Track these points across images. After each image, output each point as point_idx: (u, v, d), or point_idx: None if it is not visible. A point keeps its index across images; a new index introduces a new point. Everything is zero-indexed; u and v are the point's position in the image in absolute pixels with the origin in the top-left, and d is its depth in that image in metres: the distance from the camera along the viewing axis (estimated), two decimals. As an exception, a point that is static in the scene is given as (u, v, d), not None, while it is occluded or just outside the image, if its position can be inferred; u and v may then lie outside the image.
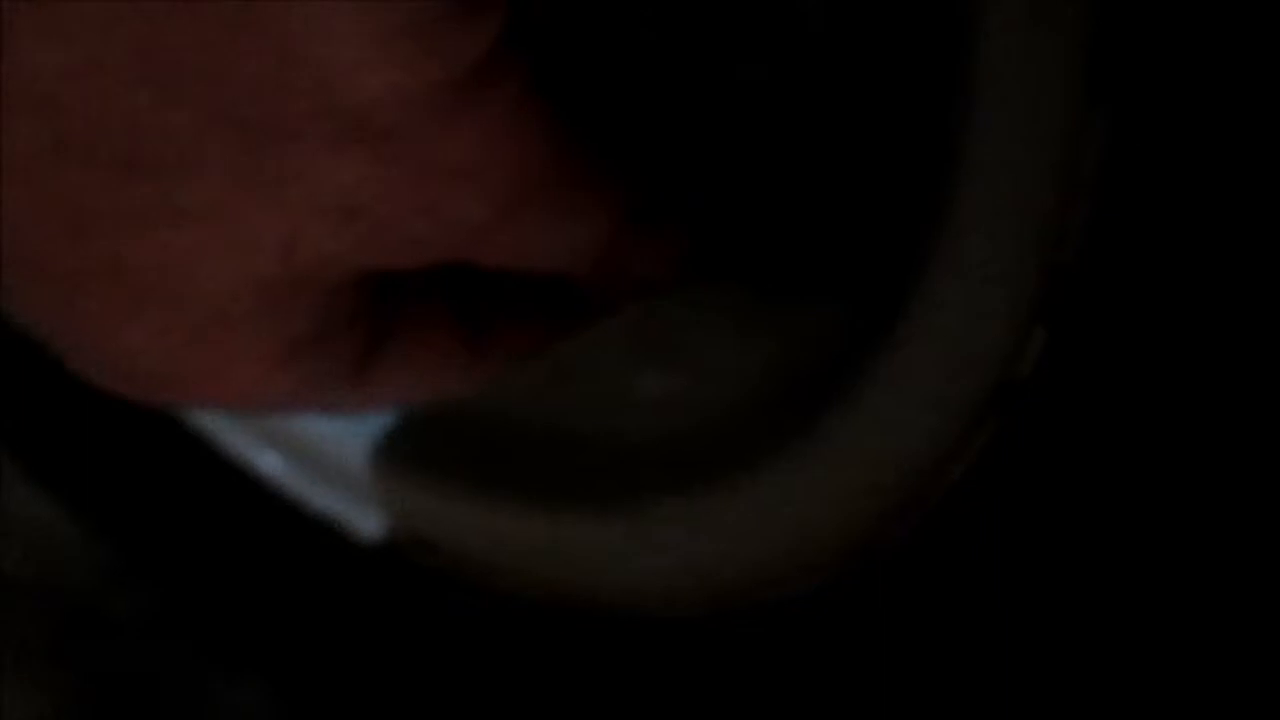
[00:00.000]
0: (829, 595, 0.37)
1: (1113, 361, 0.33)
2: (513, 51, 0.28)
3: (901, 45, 0.34)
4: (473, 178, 0.29)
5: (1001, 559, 0.35)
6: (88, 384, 0.32)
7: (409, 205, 0.29)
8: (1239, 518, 0.33)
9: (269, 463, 0.42)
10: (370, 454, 0.41)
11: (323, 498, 0.42)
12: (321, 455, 0.42)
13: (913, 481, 0.35)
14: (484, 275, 0.32)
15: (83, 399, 0.46)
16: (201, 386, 0.31)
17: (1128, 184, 0.32)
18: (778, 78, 0.36)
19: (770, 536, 0.37)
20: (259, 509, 0.43)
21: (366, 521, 0.42)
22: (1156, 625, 0.34)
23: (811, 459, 0.36)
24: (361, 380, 0.32)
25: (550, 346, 0.35)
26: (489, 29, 0.28)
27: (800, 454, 0.36)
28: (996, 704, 0.36)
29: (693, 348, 0.39)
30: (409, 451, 0.41)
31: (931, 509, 0.35)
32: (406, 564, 0.42)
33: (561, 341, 0.35)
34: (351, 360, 0.31)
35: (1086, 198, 0.32)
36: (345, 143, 0.27)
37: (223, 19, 0.26)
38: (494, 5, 0.28)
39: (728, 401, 0.38)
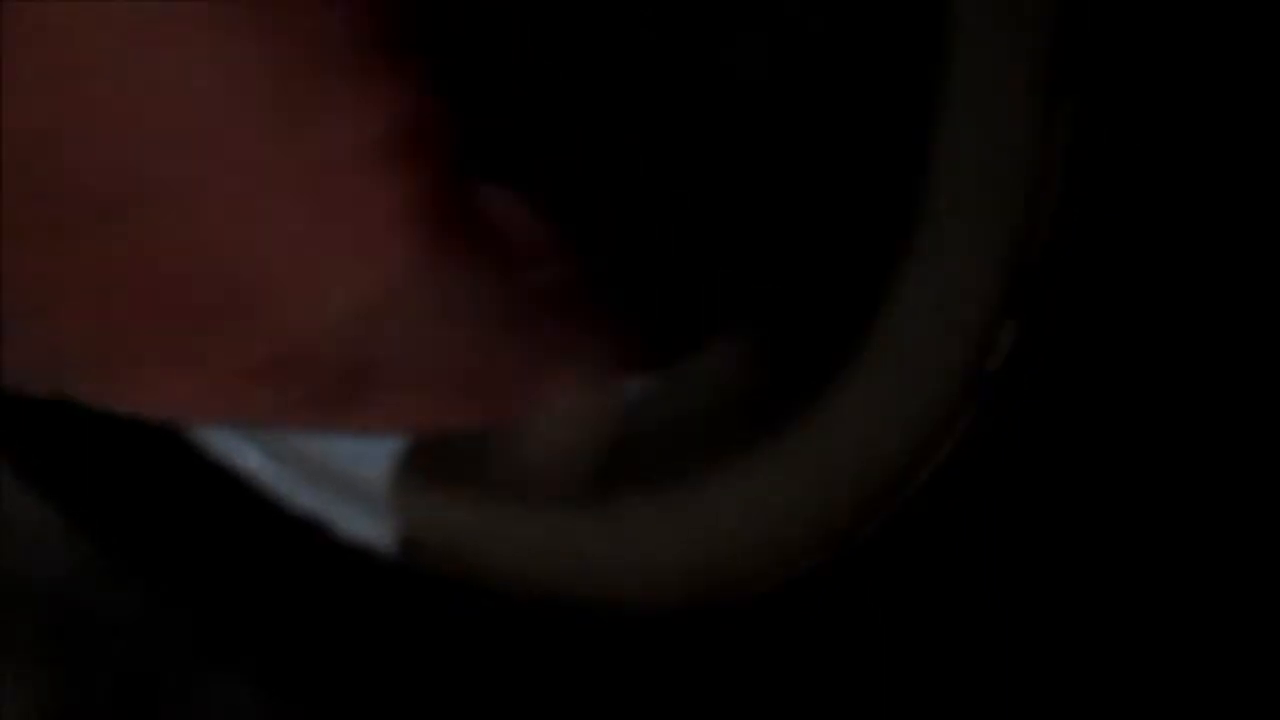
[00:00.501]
0: (806, 589, 0.37)
1: (1083, 353, 0.33)
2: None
3: (880, 45, 0.35)
4: None
5: (977, 550, 0.35)
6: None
7: None
8: (1212, 506, 0.33)
9: (251, 460, 0.42)
10: (353, 452, 0.41)
11: (306, 496, 0.42)
12: (304, 454, 0.42)
13: (888, 474, 0.35)
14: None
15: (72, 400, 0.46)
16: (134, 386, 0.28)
17: (1095, 176, 0.32)
18: (778, 78, 0.36)
19: (747, 531, 0.37)
20: (249, 509, 0.44)
21: (350, 521, 0.42)
22: (1134, 617, 0.34)
23: (787, 453, 0.36)
24: (351, 404, 0.29)
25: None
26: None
27: (776, 448, 0.36)
28: (977, 694, 0.36)
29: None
30: (391, 449, 0.41)
31: (907, 502, 0.35)
32: (391, 562, 0.42)
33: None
34: (336, 383, 0.29)
35: (1054, 191, 0.32)
36: None
37: None
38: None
39: (704, 396, 0.38)
